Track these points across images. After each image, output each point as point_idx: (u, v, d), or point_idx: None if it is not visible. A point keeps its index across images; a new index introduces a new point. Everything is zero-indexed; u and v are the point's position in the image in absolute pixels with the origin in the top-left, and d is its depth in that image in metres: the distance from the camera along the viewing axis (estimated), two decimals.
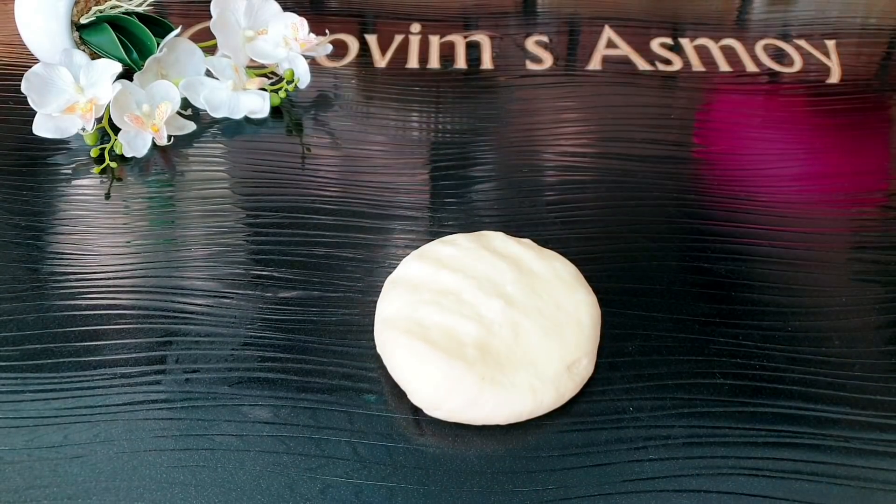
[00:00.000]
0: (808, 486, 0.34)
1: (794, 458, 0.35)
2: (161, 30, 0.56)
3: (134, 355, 0.39)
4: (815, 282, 0.43)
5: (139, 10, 0.57)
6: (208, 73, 0.55)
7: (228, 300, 0.42)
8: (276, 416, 0.36)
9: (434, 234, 0.45)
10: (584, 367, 0.37)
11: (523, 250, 0.40)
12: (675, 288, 0.43)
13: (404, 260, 0.41)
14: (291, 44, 0.56)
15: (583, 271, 0.41)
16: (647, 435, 0.36)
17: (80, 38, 0.55)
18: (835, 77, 0.61)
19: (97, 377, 0.38)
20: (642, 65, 0.63)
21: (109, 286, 0.42)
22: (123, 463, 0.34)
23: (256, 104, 0.54)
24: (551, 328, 0.37)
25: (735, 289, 0.43)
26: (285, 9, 0.57)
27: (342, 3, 0.71)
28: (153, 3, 0.59)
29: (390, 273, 0.41)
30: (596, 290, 0.40)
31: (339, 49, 0.64)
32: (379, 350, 0.38)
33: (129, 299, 0.42)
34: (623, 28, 0.68)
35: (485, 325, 0.36)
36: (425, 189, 0.49)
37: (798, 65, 0.63)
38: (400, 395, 0.37)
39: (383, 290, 0.40)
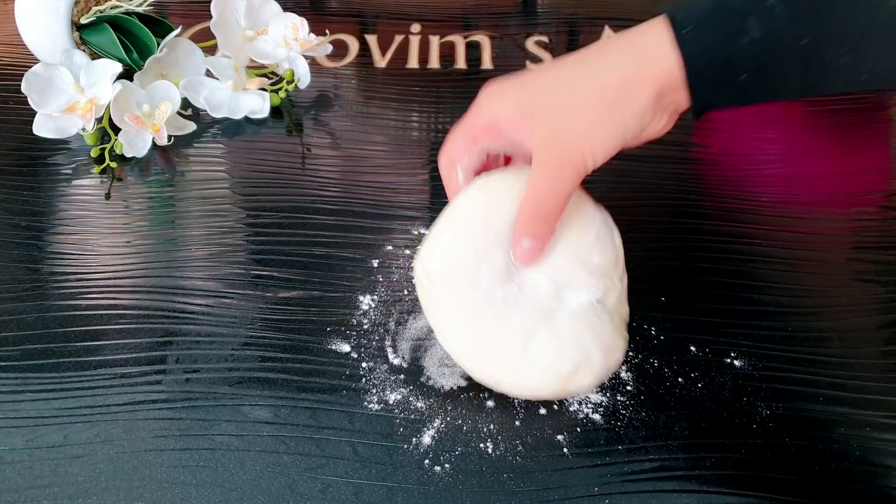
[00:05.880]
0: (808, 486, 0.34)
1: (793, 457, 0.35)
2: (161, 30, 0.56)
3: (134, 355, 0.39)
4: (814, 282, 0.43)
5: (139, 10, 0.57)
6: (208, 73, 0.55)
7: (228, 300, 0.42)
8: (276, 416, 0.36)
9: None
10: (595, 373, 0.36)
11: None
12: (676, 288, 0.43)
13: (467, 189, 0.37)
14: (291, 44, 0.56)
15: None
16: (647, 435, 0.36)
17: (81, 38, 0.55)
18: None
19: (97, 377, 0.38)
20: None
21: (109, 286, 0.42)
22: (123, 463, 0.34)
23: (256, 104, 0.54)
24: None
25: (735, 289, 0.43)
26: (285, 9, 0.57)
27: (342, 3, 0.71)
28: (153, 3, 0.59)
29: (390, 273, 0.41)
30: None
31: (339, 49, 0.63)
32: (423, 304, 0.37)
33: (129, 299, 0.42)
34: (623, 28, 0.68)
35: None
36: (425, 189, 0.49)
37: None
38: (399, 394, 0.37)
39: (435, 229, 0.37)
